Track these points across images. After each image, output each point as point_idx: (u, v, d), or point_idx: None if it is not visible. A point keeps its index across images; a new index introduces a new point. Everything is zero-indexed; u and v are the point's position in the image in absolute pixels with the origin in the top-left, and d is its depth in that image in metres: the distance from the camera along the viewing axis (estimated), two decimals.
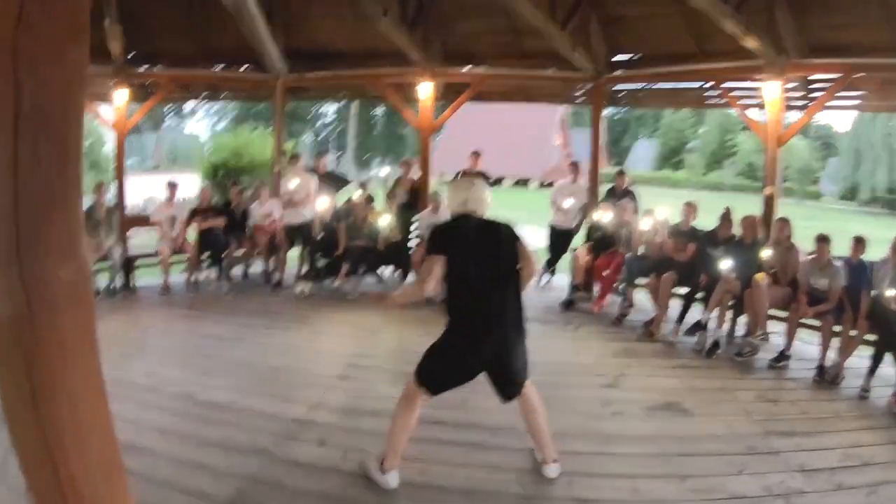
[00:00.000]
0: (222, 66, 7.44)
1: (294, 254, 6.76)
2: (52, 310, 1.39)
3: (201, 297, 6.16)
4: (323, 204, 6.50)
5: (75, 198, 1.49)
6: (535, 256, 2.62)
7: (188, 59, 7.26)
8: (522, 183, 27.59)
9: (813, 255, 4.24)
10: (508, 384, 2.57)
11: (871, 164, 25.61)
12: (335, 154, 32.26)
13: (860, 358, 3.94)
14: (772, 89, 5.27)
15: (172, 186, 6.63)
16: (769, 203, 5.45)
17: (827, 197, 28.13)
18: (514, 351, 2.52)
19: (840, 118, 44.80)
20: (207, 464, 2.79)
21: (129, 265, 6.40)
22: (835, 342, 4.01)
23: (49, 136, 1.38)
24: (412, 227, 6.68)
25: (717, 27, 4.94)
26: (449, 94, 7.38)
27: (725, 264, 4.38)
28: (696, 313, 4.78)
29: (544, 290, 6.68)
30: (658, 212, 5.34)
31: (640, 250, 5.37)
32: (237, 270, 7.01)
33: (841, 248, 4.39)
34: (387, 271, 6.79)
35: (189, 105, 32.03)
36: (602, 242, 5.93)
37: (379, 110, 38.00)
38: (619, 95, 7.23)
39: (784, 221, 4.62)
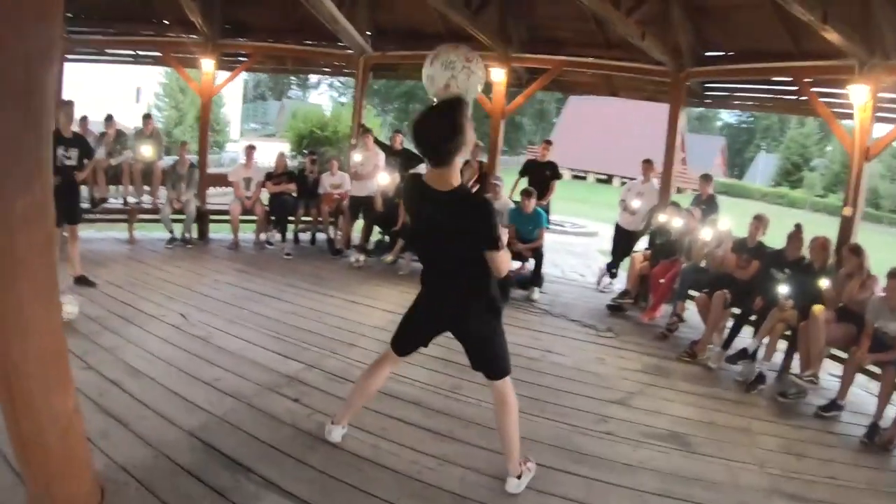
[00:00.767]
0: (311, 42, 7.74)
1: (359, 225, 7.02)
2: (9, 232, 1.76)
3: (263, 256, 6.62)
4: (384, 179, 6.64)
5: (35, 147, 1.82)
6: (499, 257, 2.16)
7: (279, 33, 7.65)
8: (607, 180, 27.17)
9: (885, 293, 3.50)
10: (474, 354, 2.42)
11: None
12: None
13: None
14: (860, 94, 4.46)
15: (250, 149, 7.16)
16: (847, 225, 4.64)
17: None
18: (469, 315, 2.32)
19: None
20: (188, 397, 3.05)
21: (203, 219, 7.09)
22: None
23: (13, 99, 1.72)
24: None
25: (805, 22, 4.21)
26: (530, 82, 7.24)
27: (783, 289, 3.78)
28: (746, 339, 4.22)
29: (602, 292, 6.33)
30: (723, 222, 4.74)
31: (701, 262, 4.83)
32: (306, 235, 7.47)
33: None
34: None
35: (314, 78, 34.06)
36: (663, 249, 5.47)
37: None
38: (706, 93, 6.50)
39: (855, 248, 3.87)
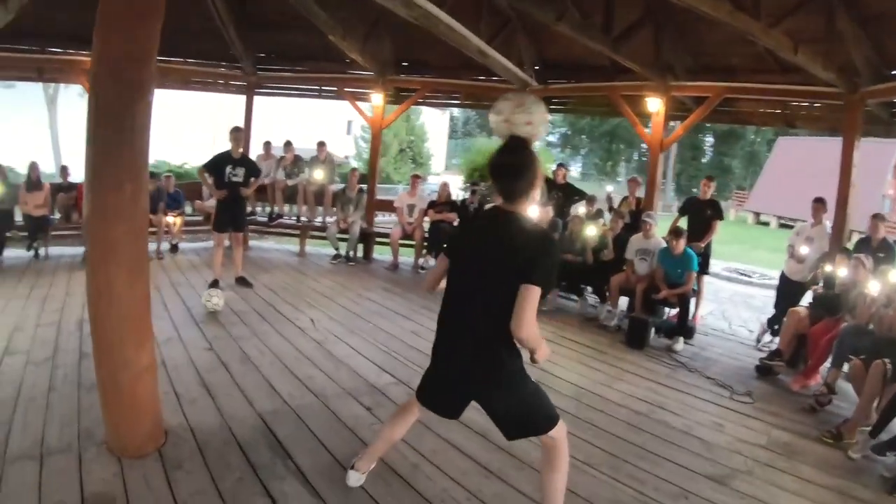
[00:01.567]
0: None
1: None
2: (104, 221, 2.36)
3: (415, 279, 7.07)
4: (534, 212, 6.60)
5: (129, 157, 2.39)
6: (532, 300, 1.83)
7: (451, 70, 8.03)
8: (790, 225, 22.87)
9: None
10: (500, 421, 2.08)
11: None
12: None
13: None
14: None
15: (415, 178, 7.83)
16: None
17: None
18: (486, 373, 2.02)
19: None
20: (276, 386, 3.49)
21: (367, 240, 7.89)
22: None
23: (111, 120, 2.32)
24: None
25: None
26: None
27: None
28: None
29: (761, 350, 5.38)
30: (893, 274, 3.71)
31: (868, 324, 3.85)
32: None
33: None
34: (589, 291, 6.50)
35: None
36: (827, 304, 4.49)
37: (708, 138, 36.37)
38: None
39: None
